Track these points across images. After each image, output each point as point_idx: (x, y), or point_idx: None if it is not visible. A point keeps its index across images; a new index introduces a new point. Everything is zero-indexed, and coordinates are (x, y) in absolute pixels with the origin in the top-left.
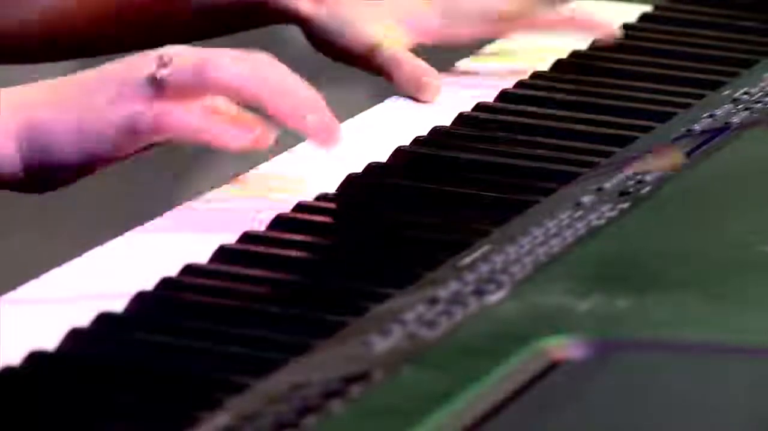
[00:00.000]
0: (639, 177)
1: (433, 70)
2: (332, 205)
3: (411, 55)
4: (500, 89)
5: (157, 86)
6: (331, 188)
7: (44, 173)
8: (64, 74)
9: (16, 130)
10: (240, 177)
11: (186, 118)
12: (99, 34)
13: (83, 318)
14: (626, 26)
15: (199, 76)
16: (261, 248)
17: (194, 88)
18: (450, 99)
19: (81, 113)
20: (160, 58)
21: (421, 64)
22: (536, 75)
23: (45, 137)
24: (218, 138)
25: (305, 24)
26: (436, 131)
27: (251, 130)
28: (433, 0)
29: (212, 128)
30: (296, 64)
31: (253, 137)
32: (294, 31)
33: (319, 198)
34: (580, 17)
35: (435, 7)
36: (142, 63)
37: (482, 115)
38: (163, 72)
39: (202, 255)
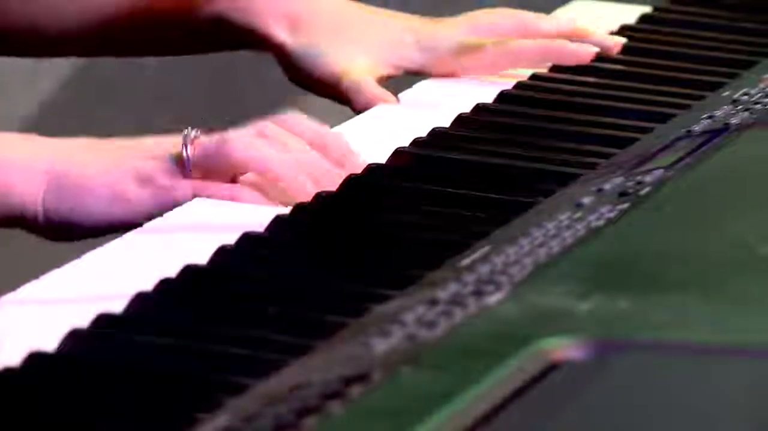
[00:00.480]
0: (638, 178)
1: (391, 98)
2: (331, 206)
3: (373, 85)
4: (500, 90)
5: (183, 166)
6: (331, 189)
7: (64, 228)
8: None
9: (45, 183)
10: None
11: (219, 194)
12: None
13: (83, 319)
14: (626, 27)
15: (222, 154)
16: (260, 249)
17: (217, 167)
18: (450, 100)
19: (111, 184)
20: (186, 136)
21: (379, 94)
22: (535, 76)
23: (75, 193)
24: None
25: (278, 52)
26: (436, 132)
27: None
28: (411, 32)
29: (244, 199)
30: None
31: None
32: None
33: (318, 199)
34: (557, 47)
35: (414, 39)
36: (170, 142)
37: (481, 116)
38: (188, 152)
39: (201, 256)
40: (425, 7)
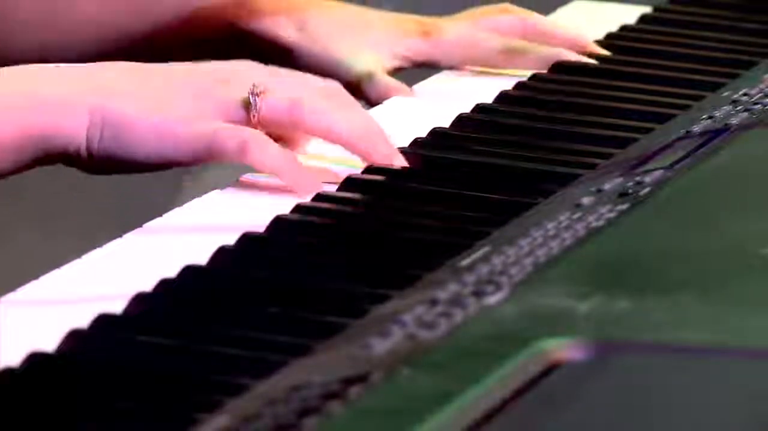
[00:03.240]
0: (638, 178)
1: (405, 88)
2: (332, 206)
3: (385, 76)
4: (500, 91)
5: (249, 113)
6: (331, 188)
7: (109, 164)
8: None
9: (89, 116)
10: (241, 179)
11: (274, 155)
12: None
13: (83, 320)
14: (626, 27)
15: (293, 117)
16: (260, 249)
17: (285, 125)
18: (450, 100)
19: (164, 117)
20: (254, 86)
21: (393, 85)
22: (535, 77)
23: (120, 130)
24: (293, 184)
25: (286, 52)
26: (436, 133)
27: (322, 180)
28: (416, 24)
29: (292, 174)
30: None
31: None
32: None
33: (318, 199)
34: (553, 54)
35: (419, 30)
36: (236, 82)
37: (482, 116)
38: (257, 101)
39: (201, 256)
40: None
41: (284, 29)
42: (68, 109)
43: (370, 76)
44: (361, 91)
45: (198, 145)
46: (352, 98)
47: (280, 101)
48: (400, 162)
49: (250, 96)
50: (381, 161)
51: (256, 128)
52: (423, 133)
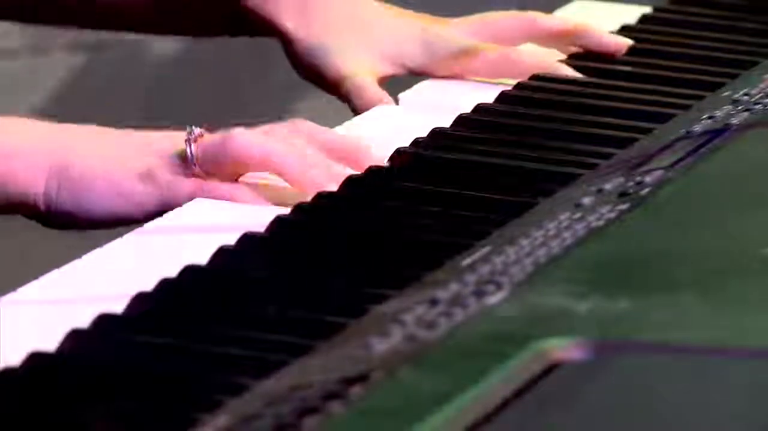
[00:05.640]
0: (638, 178)
1: (390, 101)
2: (332, 206)
3: (374, 89)
4: (500, 91)
5: (187, 163)
6: (331, 188)
7: (65, 219)
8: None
9: (48, 170)
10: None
11: (220, 194)
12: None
13: (83, 319)
14: (626, 27)
15: (228, 151)
16: (260, 249)
17: (226, 162)
18: (450, 101)
19: (113, 180)
20: (190, 132)
21: (379, 99)
22: (535, 77)
23: (74, 191)
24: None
25: (286, 41)
26: (436, 133)
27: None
28: (417, 31)
29: (245, 200)
30: None
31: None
32: None
33: (318, 199)
34: (553, 67)
35: (418, 39)
36: (175, 138)
37: (481, 116)
38: (191, 149)
39: (201, 256)
40: (427, 7)
41: (287, 22)
42: (29, 160)
43: (359, 89)
44: (350, 101)
45: (153, 200)
46: (298, 136)
47: (212, 140)
48: (332, 187)
49: (187, 144)
50: (313, 188)
51: (200, 175)
52: (405, 142)
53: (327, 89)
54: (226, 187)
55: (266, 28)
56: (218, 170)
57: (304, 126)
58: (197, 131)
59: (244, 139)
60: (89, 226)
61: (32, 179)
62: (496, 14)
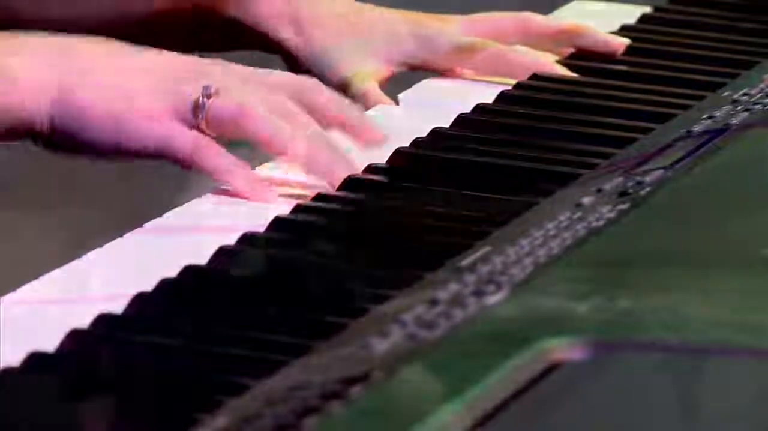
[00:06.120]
0: (638, 178)
1: (390, 103)
2: (332, 206)
3: (377, 94)
4: (500, 91)
5: (198, 116)
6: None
7: (70, 144)
8: None
9: (58, 89)
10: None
11: (217, 161)
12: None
13: (83, 319)
14: (626, 27)
15: (237, 123)
16: (260, 249)
17: (229, 130)
18: (450, 100)
19: (126, 108)
20: (207, 88)
21: (384, 103)
22: (535, 76)
23: (82, 113)
24: (243, 190)
25: (285, 53)
26: (436, 133)
27: (269, 188)
28: (412, 26)
29: (241, 180)
30: None
31: (272, 195)
32: None
33: (318, 199)
34: (548, 67)
35: (414, 34)
36: (201, 82)
37: (481, 116)
38: (206, 104)
39: (201, 256)
40: (427, 7)
41: (284, 34)
42: (36, 84)
43: (362, 96)
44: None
45: (151, 143)
46: (323, 96)
47: (227, 105)
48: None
49: (200, 98)
50: (321, 177)
51: (203, 130)
52: (405, 142)
53: None
54: (224, 161)
55: (264, 44)
56: (225, 133)
57: (309, 83)
58: (213, 87)
59: (261, 122)
60: (92, 153)
61: (39, 102)
62: (490, 14)
